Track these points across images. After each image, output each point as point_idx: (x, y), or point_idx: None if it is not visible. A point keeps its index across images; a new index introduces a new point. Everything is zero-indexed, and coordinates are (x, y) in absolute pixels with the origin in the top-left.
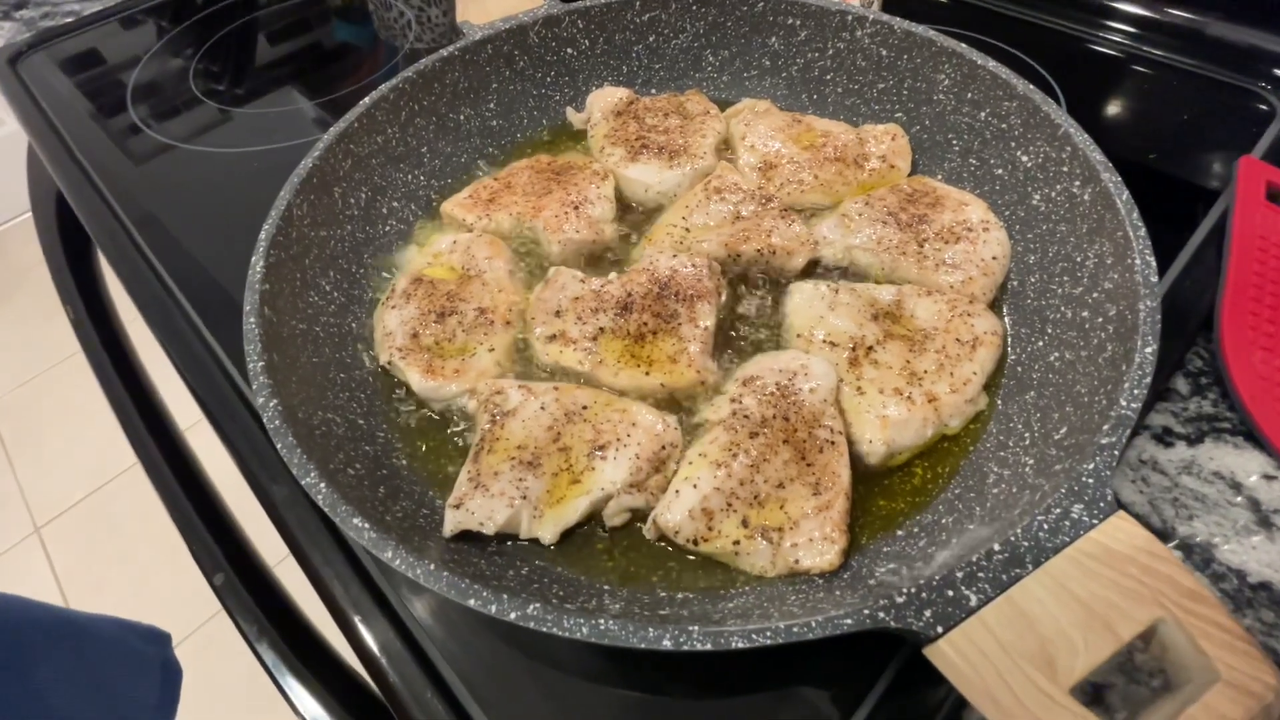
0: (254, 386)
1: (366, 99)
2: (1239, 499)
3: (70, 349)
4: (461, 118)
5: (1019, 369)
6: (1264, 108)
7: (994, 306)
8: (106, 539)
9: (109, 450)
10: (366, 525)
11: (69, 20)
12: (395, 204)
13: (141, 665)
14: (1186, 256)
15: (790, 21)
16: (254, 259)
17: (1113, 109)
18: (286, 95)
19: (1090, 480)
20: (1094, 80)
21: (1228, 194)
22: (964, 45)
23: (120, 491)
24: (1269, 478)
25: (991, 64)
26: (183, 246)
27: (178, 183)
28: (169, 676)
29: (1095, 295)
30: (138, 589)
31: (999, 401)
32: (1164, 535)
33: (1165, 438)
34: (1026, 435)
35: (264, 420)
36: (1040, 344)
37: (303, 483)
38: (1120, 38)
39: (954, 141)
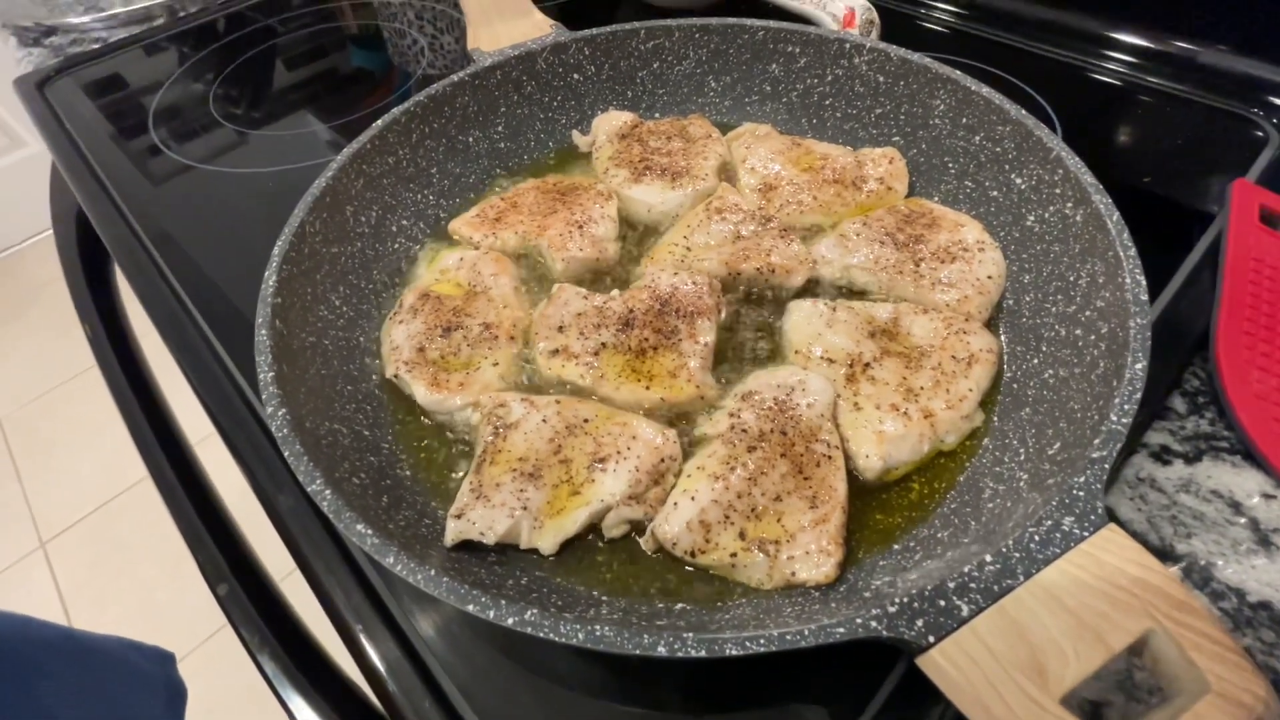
0: (264, 396)
1: (379, 121)
2: (1238, 518)
3: (80, 366)
4: (470, 140)
5: (1015, 386)
6: (1259, 134)
7: (990, 324)
8: (110, 555)
9: (115, 466)
10: (370, 532)
11: (96, 47)
12: (405, 222)
13: (147, 684)
14: (1182, 277)
15: (790, 49)
16: (267, 273)
17: (1108, 134)
18: (302, 118)
19: (1081, 494)
20: (1090, 106)
21: (1222, 217)
22: (959, 72)
23: (125, 508)
24: (1268, 497)
25: (985, 90)
26: (198, 263)
27: (195, 202)
28: (174, 695)
29: (1088, 314)
30: (140, 605)
31: (995, 418)
32: (1162, 553)
33: (1163, 456)
34: (1021, 451)
35: (272, 429)
36: (1035, 361)
37: (308, 490)
38: (1116, 65)
39: (950, 164)
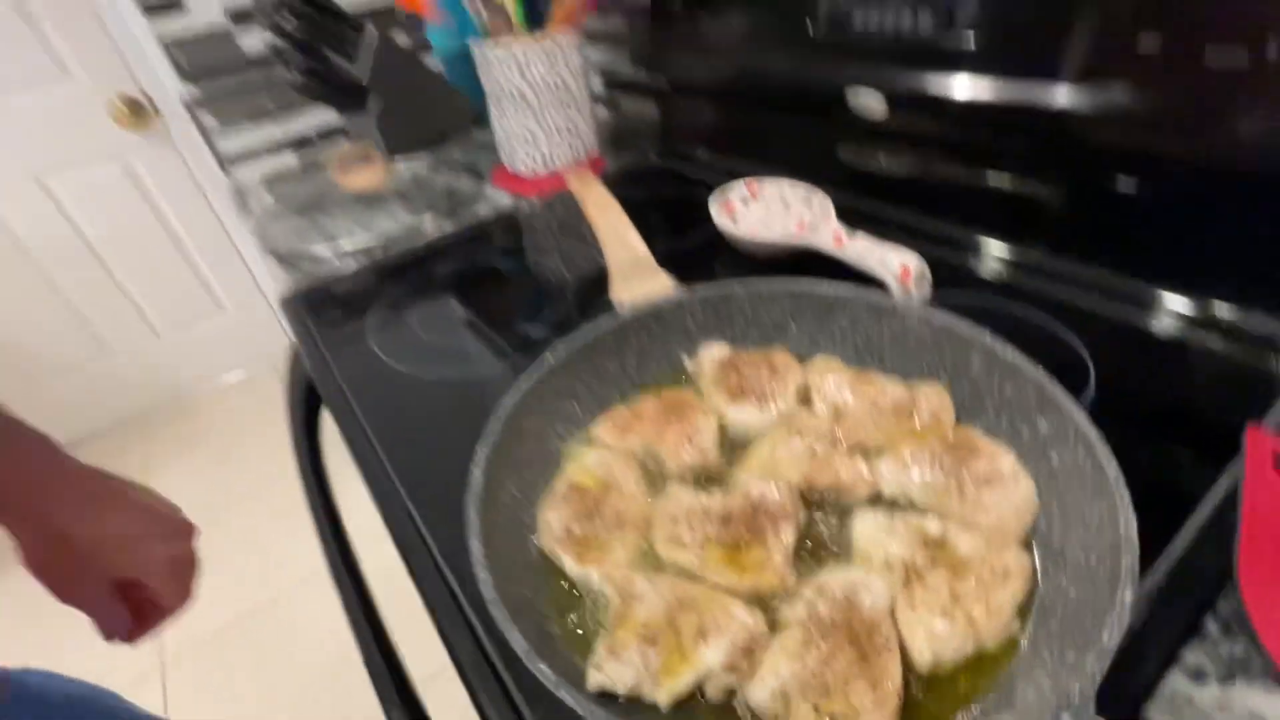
0: (476, 570)
1: (551, 359)
2: None
3: (228, 501)
4: (610, 366)
5: (1046, 600)
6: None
7: (1026, 544)
8: (217, 680)
9: (233, 596)
10: (548, 669)
11: (332, 270)
12: (559, 427)
13: None
14: (1208, 509)
15: (853, 309)
16: (475, 471)
17: (1138, 378)
18: (479, 337)
19: (1076, 700)
20: (1121, 352)
21: (1238, 461)
22: (988, 335)
23: (239, 633)
24: None
25: (1010, 353)
26: (400, 443)
27: (398, 397)
28: None
29: (1100, 545)
30: None
31: (1030, 626)
32: None
33: (1198, 675)
34: (1049, 658)
35: (483, 593)
36: (1062, 580)
37: (509, 637)
38: (1153, 320)
39: (988, 403)
